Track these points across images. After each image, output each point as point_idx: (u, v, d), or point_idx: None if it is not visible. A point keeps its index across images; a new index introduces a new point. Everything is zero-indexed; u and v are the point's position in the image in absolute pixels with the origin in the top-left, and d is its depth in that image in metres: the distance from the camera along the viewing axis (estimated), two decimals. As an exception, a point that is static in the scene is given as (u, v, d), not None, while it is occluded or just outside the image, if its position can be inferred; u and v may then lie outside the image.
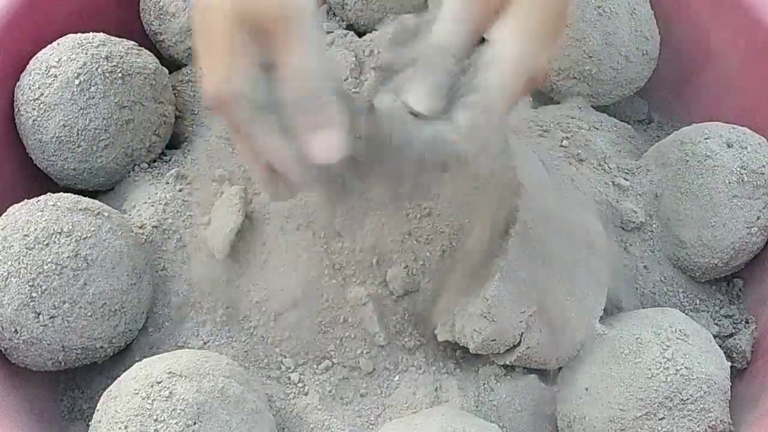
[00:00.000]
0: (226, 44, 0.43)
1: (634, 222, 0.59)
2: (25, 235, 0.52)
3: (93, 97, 0.58)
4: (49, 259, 0.52)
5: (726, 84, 0.67)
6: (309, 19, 0.43)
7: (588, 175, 0.62)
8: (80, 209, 0.54)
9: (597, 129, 0.66)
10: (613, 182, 0.62)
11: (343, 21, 0.69)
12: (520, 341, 0.53)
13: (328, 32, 0.67)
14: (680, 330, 0.53)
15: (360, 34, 0.68)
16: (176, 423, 0.47)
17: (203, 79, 0.44)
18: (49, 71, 0.59)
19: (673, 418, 0.50)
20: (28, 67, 0.60)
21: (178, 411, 0.47)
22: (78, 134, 0.59)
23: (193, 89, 0.66)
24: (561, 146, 0.64)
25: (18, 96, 0.60)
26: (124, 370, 0.51)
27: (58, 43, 0.61)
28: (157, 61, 0.63)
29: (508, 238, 0.52)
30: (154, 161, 0.63)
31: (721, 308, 0.61)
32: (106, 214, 0.55)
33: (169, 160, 0.63)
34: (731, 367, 0.55)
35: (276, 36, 0.43)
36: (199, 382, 0.48)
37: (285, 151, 0.45)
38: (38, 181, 0.61)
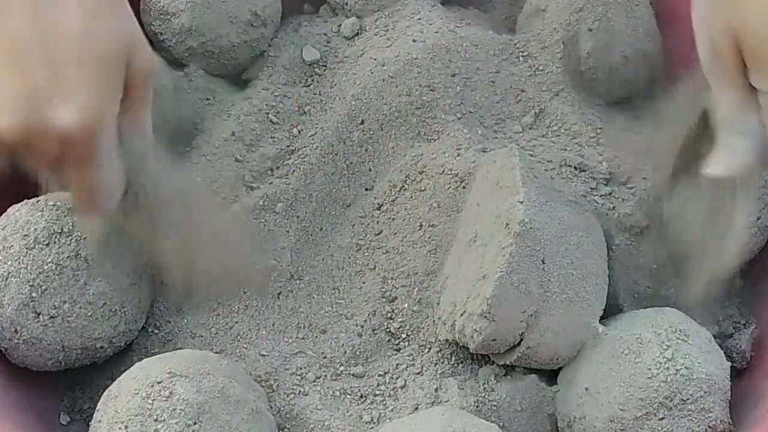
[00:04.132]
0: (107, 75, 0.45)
1: (637, 227, 0.59)
2: (25, 235, 0.52)
3: (93, 97, 0.58)
4: (49, 259, 0.52)
5: (726, 84, 0.67)
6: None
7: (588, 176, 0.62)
8: (80, 209, 0.54)
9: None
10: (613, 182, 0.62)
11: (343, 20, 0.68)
12: (520, 341, 0.53)
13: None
14: (680, 330, 0.53)
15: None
16: (176, 423, 0.47)
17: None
18: (49, 71, 0.59)
19: (673, 418, 0.50)
20: (28, 67, 0.60)
21: (178, 411, 0.47)
22: (78, 134, 0.59)
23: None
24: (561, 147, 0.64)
25: (18, 96, 0.60)
26: (124, 370, 0.51)
27: (58, 43, 0.61)
28: (157, 61, 0.63)
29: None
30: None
31: (721, 308, 0.61)
32: (106, 214, 0.55)
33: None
34: (731, 367, 0.55)
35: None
36: (199, 382, 0.48)
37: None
38: (38, 181, 0.61)
